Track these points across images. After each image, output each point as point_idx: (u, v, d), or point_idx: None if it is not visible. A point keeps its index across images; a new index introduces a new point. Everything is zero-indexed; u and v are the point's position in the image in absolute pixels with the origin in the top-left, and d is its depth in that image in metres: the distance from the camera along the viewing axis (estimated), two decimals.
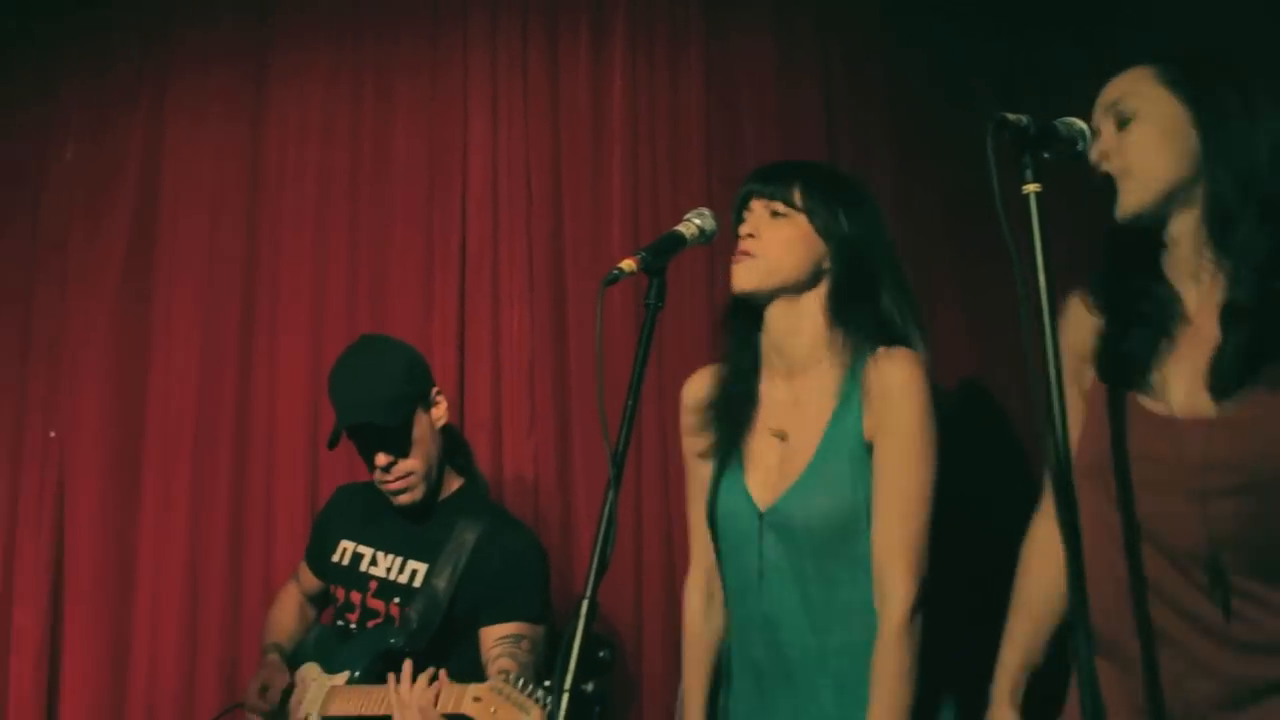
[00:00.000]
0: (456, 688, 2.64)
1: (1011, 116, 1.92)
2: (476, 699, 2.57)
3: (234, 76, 4.19)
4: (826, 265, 2.49)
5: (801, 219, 2.49)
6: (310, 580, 3.33)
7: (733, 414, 2.55)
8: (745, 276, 2.49)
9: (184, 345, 4.06)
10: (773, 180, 2.53)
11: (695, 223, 2.41)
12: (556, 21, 3.89)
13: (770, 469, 2.48)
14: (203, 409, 4.00)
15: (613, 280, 2.27)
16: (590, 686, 2.64)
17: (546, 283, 3.75)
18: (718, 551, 2.57)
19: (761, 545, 2.45)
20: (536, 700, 2.51)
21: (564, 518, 3.63)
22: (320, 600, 3.34)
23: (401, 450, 3.02)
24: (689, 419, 2.64)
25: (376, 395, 3.00)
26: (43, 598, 4.00)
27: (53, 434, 4.13)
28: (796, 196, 2.50)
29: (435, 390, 3.14)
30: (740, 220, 2.54)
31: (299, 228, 4.03)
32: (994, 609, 2.36)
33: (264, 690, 3.09)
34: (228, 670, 3.83)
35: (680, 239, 2.38)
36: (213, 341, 4.04)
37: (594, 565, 2.10)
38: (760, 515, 2.45)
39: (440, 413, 3.12)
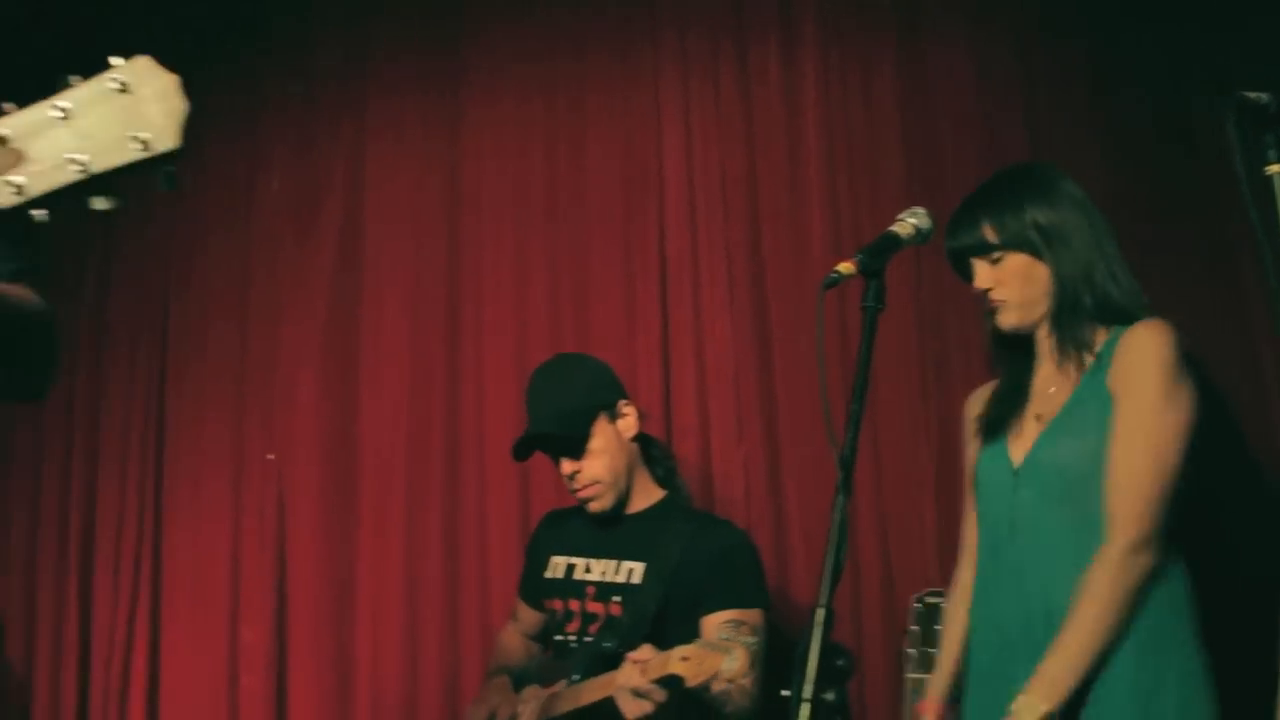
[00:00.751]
0: (662, 654, 2.66)
1: (1251, 95, 1.86)
2: (684, 658, 2.59)
3: (430, 96, 4.29)
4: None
5: (1012, 254, 2.53)
6: (528, 616, 3.38)
7: (1000, 407, 2.61)
8: (1006, 321, 2.58)
9: (392, 362, 4.16)
10: (964, 234, 2.58)
11: (911, 222, 2.38)
12: (745, 34, 3.89)
13: (1028, 436, 2.52)
14: (414, 424, 4.09)
15: (832, 284, 2.25)
16: (831, 696, 2.63)
17: (747, 291, 3.75)
18: (979, 521, 2.60)
19: (1014, 499, 2.48)
20: (744, 645, 2.52)
21: (777, 526, 3.61)
22: (540, 636, 3.39)
23: (581, 458, 3.10)
24: (969, 426, 2.70)
25: (555, 408, 3.12)
26: (268, 615, 4.13)
27: (271, 456, 4.26)
28: (992, 235, 2.54)
29: (623, 402, 3.19)
30: (967, 276, 2.61)
31: (500, 242, 4.10)
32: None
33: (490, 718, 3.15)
34: (449, 680, 3.90)
35: (896, 240, 2.36)
36: (420, 357, 4.13)
37: (828, 572, 2.09)
38: (1015, 472, 2.49)
39: (628, 424, 3.17)
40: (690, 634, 2.95)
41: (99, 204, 1.32)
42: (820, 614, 2.06)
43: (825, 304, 3.43)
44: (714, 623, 2.95)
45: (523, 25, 4.20)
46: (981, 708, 2.50)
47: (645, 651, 2.71)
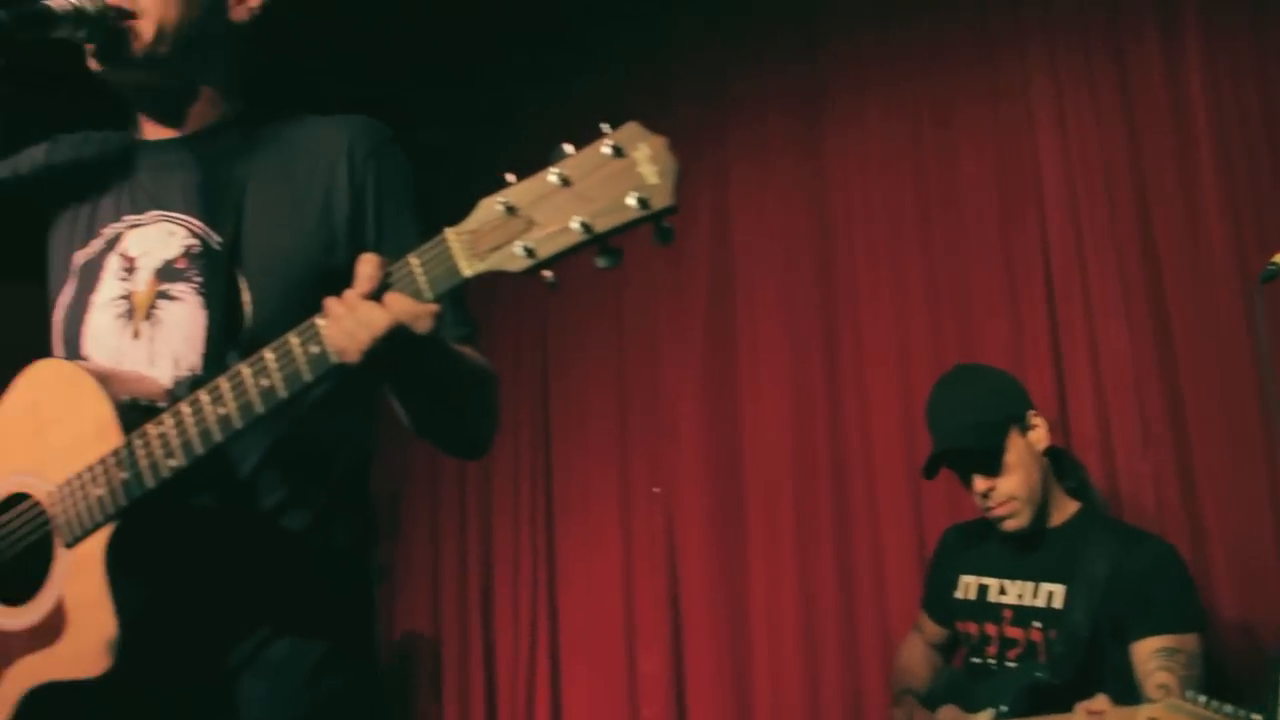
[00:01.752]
0: (1125, 710, 2.52)
1: None
2: None
3: (790, 120, 4.31)
4: None
5: None
6: (932, 629, 3.30)
7: None
8: None
9: (772, 385, 4.17)
10: None
11: None
12: (1121, 35, 3.72)
13: None
14: (798, 446, 4.10)
15: (1270, 276, 2.11)
16: None
17: (1142, 293, 3.56)
18: None
19: None
20: (1229, 715, 2.34)
21: (1194, 538, 3.38)
22: (945, 648, 3.30)
23: (997, 474, 2.97)
24: None
25: (965, 421, 3.01)
26: (665, 644, 4.20)
27: (656, 489, 4.34)
28: None
29: (1032, 413, 3.05)
30: None
31: (873, 260, 4.06)
32: None
33: None
34: (851, 703, 3.87)
35: None
36: (800, 379, 4.13)
37: None
38: None
39: (1039, 436, 3.03)
40: (1121, 662, 2.81)
41: (601, 262, 1.40)
42: None
43: (1215, 295, 3.33)
44: (1146, 650, 2.78)
45: (881, 45, 4.16)
46: None
47: (1100, 702, 2.57)
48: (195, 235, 1.77)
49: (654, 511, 4.33)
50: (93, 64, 1.81)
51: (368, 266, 1.47)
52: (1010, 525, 3.01)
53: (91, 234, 1.84)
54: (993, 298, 3.81)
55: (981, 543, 3.16)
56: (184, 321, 1.73)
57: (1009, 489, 2.98)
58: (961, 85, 3.99)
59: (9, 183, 1.94)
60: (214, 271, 1.74)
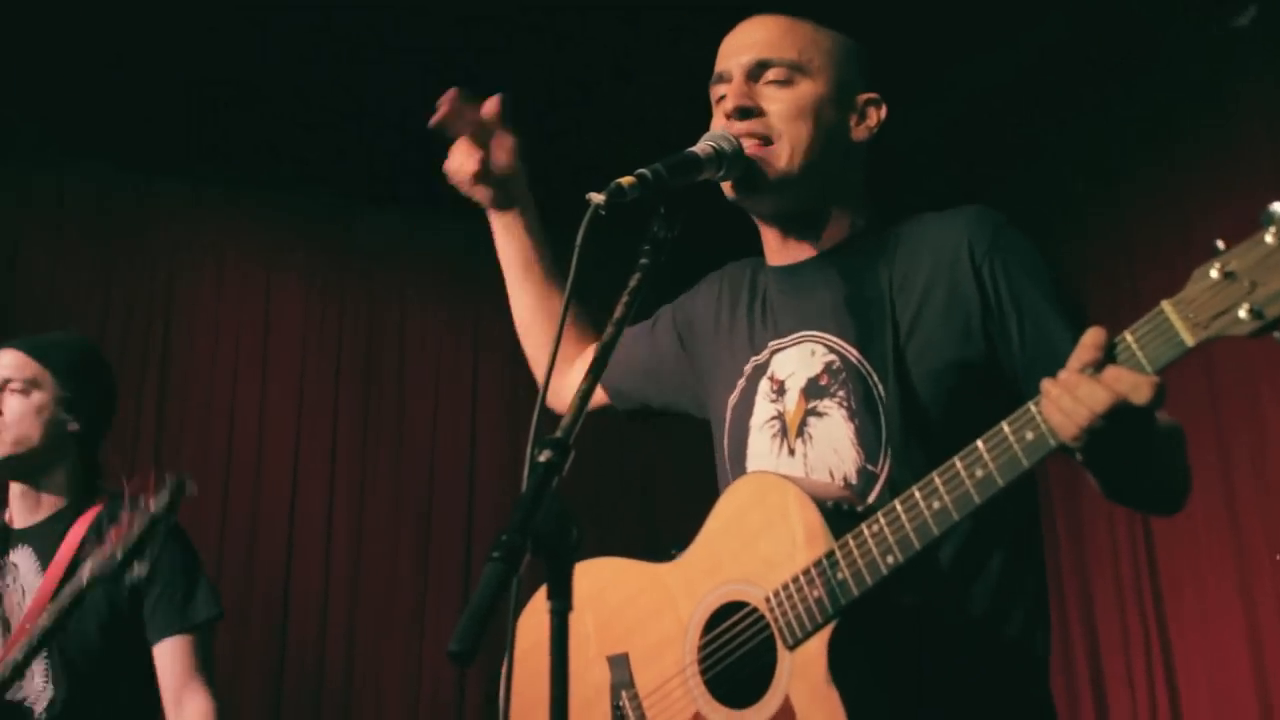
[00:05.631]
0: None
1: None
2: None
3: None
4: None
5: None
6: None
7: None
8: None
9: None
10: None
11: None
12: None
13: None
14: None
15: None
16: None
17: None
18: None
19: None
20: None
21: None
22: None
23: None
24: None
25: None
26: None
27: (1278, 557, 4.04)
28: None
29: None
30: None
31: None
32: None
33: None
34: None
35: None
36: None
37: None
38: None
39: None
40: None
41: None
42: None
43: None
44: None
45: None
46: None
47: None
48: (834, 351, 1.86)
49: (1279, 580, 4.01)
50: (730, 194, 1.93)
51: (1091, 340, 1.46)
52: None
53: (744, 365, 1.97)
54: None
55: None
56: (834, 435, 1.83)
57: None
58: None
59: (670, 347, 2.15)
60: (856, 384, 1.82)
